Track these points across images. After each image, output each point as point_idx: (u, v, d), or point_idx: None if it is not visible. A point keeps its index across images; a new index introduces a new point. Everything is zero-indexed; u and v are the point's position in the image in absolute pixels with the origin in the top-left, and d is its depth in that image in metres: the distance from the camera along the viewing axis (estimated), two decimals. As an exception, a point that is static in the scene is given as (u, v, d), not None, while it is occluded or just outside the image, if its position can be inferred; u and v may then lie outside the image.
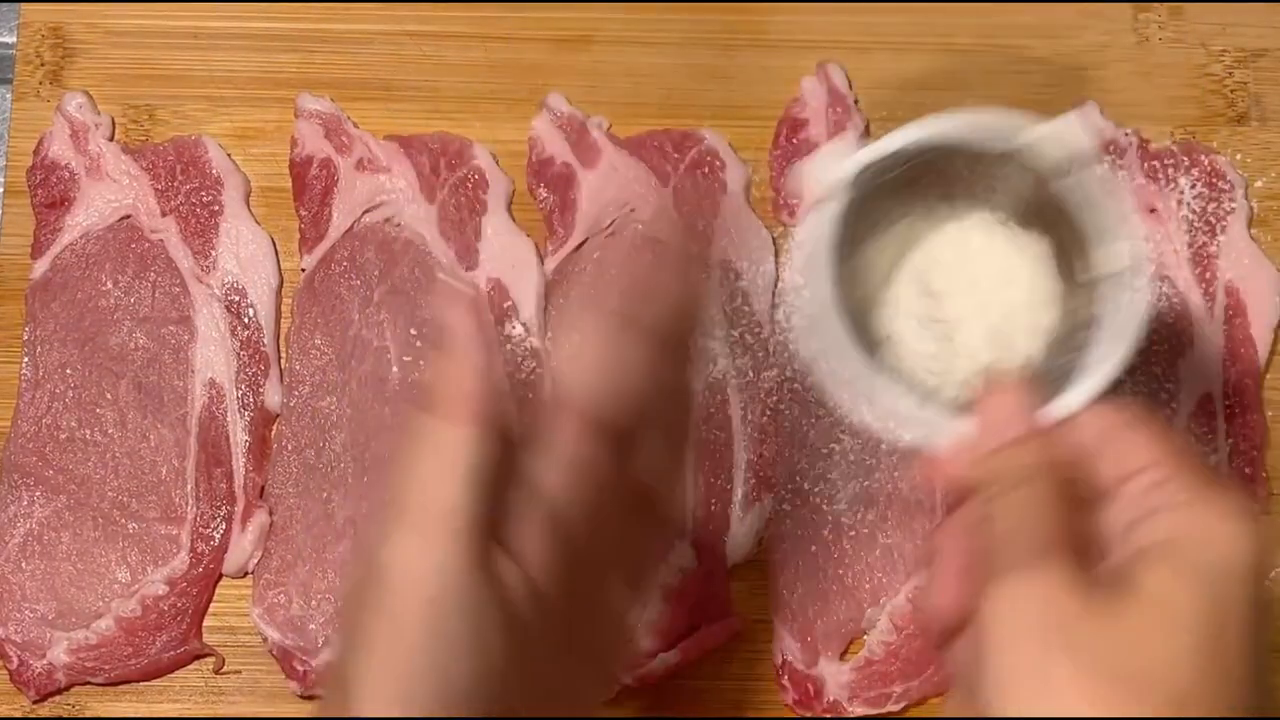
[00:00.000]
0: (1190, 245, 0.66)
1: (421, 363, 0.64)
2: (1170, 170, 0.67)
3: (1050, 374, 0.46)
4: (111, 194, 0.67)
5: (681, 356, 0.47)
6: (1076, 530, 0.41)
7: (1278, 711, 0.42)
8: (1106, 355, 0.44)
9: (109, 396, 0.64)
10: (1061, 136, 0.46)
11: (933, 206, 0.50)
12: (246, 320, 0.65)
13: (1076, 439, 0.43)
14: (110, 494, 0.63)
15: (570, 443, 0.42)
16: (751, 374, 0.64)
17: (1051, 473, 0.41)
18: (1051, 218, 0.48)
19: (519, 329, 0.65)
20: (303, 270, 0.66)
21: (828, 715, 0.62)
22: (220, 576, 0.63)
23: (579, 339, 0.44)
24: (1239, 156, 0.68)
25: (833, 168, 0.46)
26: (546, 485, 0.42)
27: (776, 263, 0.66)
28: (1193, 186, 0.66)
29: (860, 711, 0.62)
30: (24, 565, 0.62)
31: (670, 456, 0.49)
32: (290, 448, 0.64)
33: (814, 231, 0.46)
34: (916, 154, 0.47)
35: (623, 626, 0.48)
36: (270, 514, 0.63)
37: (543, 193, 0.67)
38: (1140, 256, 0.45)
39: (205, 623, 0.63)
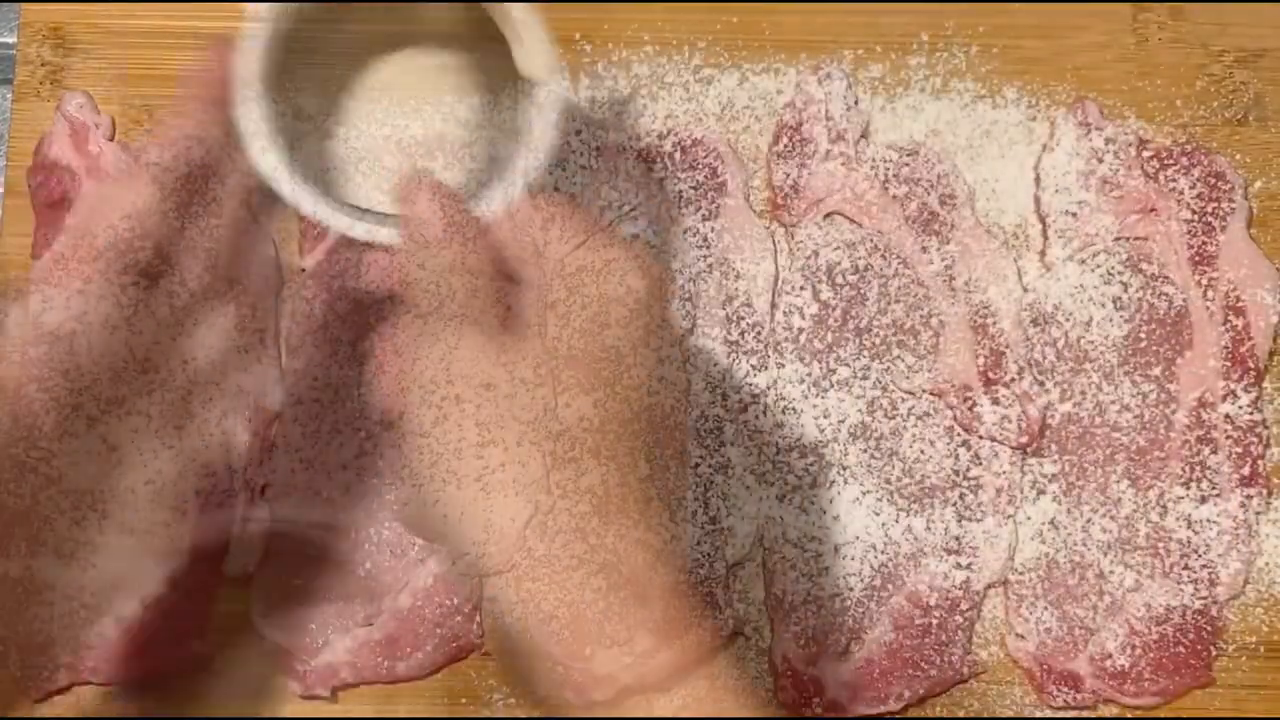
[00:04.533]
0: (1190, 245, 0.66)
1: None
2: (1170, 171, 0.67)
3: (477, 179, 0.52)
4: (112, 194, 0.67)
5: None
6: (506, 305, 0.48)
7: None
8: (525, 163, 0.51)
9: (109, 396, 0.64)
10: None
11: None
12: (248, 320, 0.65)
13: (504, 232, 0.49)
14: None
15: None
16: (750, 373, 0.65)
17: (471, 263, 0.47)
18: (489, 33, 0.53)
19: (519, 329, 0.65)
20: (303, 270, 0.66)
21: (828, 715, 0.62)
22: (221, 577, 0.63)
23: None
24: (1239, 157, 0.68)
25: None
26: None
27: (776, 263, 0.66)
28: (1192, 187, 0.67)
29: (860, 711, 0.62)
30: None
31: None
32: (291, 447, 0.64)
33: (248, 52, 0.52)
34: None
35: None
36: (270, 514, 0.63)
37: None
38: (550, 68, 0.51)
39: (206, 623, 0.63)
